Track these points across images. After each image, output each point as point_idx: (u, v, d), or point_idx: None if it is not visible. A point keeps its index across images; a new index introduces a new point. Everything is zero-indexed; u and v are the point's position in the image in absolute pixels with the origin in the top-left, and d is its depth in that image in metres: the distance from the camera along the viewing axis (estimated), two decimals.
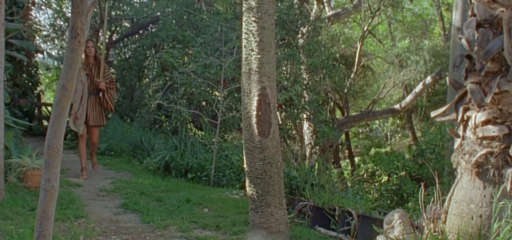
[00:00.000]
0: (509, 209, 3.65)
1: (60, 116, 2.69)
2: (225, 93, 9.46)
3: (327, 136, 11.33)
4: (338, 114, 15.78)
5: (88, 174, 7.67)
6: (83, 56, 7.26)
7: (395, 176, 10.83)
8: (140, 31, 15.46)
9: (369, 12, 14.40)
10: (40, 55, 14.28)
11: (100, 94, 7.66)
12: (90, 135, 7.80)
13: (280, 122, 11.09)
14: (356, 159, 16.71)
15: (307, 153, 12.19)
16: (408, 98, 14.36)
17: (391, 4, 14.58)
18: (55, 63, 15.02)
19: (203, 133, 10.17)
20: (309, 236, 5.31)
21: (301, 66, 11.70)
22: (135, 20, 15.33)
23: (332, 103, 14.65)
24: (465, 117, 4.19)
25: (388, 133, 21.09)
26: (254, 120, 5.09)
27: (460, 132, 4.25)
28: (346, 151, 17.15)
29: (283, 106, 10.78)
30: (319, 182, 6.89)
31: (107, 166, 8.90)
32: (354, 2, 14.41)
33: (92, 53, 7.55)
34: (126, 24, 15.93)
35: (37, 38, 15.20)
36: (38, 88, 14.51)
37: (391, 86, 15.58)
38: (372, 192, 10.63)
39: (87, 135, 7.77)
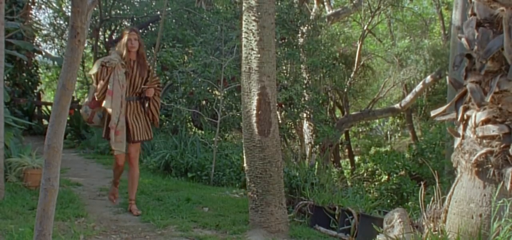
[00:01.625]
0: (508, 208, 3.65)
1: (60, 115, 2.69)
2: (225, 92, 9.46)
3: (327, 135, 11.33)
4: (338, 113, 15.78)
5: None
6: (125, 52, 5.47)
7: (395, 175, 10.82)
8: (140, 30, 15.46)
9: (369, 11, 14.39)
10: (39, 55, 14.31)
11: (146, 105, 5.70)
12: (130, 155, 5.65)
13: (280, 121, 11.09)
14: (356, 158, 16.71)
15: (307, 152, 12.19)
16: (408, 97, 14.36)
17: (391, 3, 14.58)
18: (55, 63, 15.05)
19: (203, 132, 10.17)
20: (309, 235, 5.30)
21: (301, 65, 11.70)
22: (135, 19, 15.33)
23: (332, 103, 14.64)
24: (465, 116, 4.19)
25: (388, 132, 21.09)
26: (254, 119, 5.09)
27: (460, 131, 4.25)
28: (346, 150, 17.16)
29: (283, 105, 10.78)
30: (319, 181, 6.88)
31: (107, 165, 8.89)
32: (354, 1, 14.40)
33: (134, 48, 5.51)
34: (126, 23, 15.94)
35: (37, 37, 15.21)
36: (38, 87, 14.55)
37: (391, 85, 15.57)
38: (372, 191, 10.62)
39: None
